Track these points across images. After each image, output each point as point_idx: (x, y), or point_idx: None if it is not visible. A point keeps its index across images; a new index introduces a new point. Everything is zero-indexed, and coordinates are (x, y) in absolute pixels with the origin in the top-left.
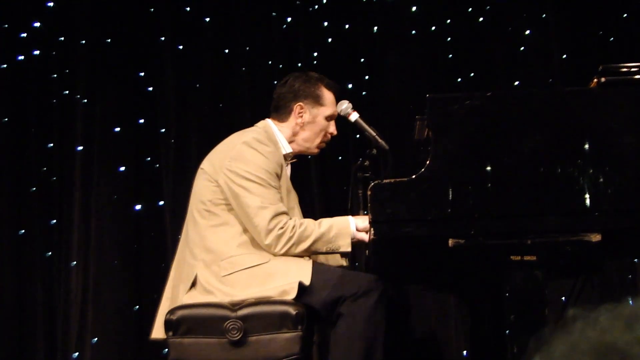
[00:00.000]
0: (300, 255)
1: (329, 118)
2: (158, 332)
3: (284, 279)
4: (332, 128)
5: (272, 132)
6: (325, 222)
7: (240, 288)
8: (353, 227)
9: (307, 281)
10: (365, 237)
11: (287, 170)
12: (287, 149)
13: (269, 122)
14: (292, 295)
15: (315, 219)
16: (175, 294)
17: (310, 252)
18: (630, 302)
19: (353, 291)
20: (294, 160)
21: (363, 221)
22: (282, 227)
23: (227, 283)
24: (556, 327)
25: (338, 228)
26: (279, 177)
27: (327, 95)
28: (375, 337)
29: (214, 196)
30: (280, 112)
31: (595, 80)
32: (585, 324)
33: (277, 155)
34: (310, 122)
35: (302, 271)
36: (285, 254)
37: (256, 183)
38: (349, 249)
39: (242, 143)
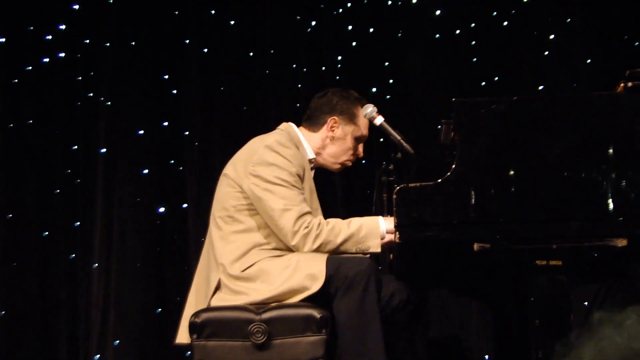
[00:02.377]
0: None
1: (359, 139)
2: (182, 336)
3: (310, 265)
4: (360, 149)
5: (295, 135)
6: (355, 222)
7: (266, 282)
8: (383, 227)
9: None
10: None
11: (311, 173)
12: (310, 154)
13: (292, 125)
14: (320, 280)
15: None
16: (200, 300)
17: (339, 252)
18: None
19: (340, 284)
20: (317, 165)
21: (390, 222)
22: (307, 227)
23: (249, 278)
24: (583, 331)
25: (368, 228)
26: (301, 178)
27: (363, 117)
28: (367, 327)
29: (237, 202)
30: (312, 121)
31: (622, 84)
32: (612, 329)
33: (300, 157)
34: (340, 137)
35: (323, 256)
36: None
37: (280, 185)
38: (379, 250)
39: (265, 147)
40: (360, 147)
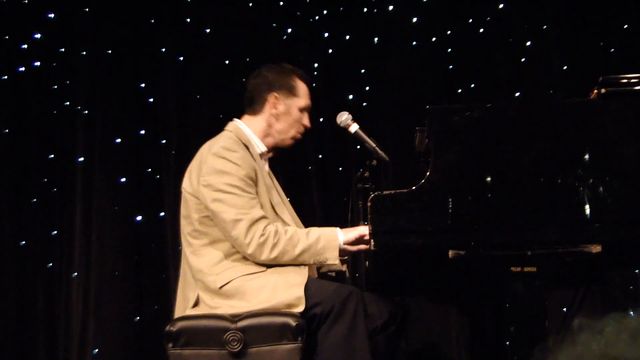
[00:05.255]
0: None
1: (302, 109)
2: None
3: (287, 291)
4: (306, 120)
5: (242, 133)
6: (314, 233)
7: (243, 301)
8: (341, 239)
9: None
10: (351, 248)
11: (265, 166)
12: (261, 147)
13: (237, 122)
14: (300, 308)
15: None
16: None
17: (297, 262)
18: (632, 314)
19: (325, 313)
20: (269, 155)
21: (347, 233)
22: (262, 234)
23: (226, 295)
24: (561, 337)
25: (326, 240)
26: (253, 180)
27: (301, 86)
28: (355, 355)
29: (199, 214)
30: (254, 104)
31: (596, 91)
32: (590, 335)
33: (248, 159)
34: (284, 112)
35: (302, 282)
36: (272, 262)
37: (230, 194)
38: (337, 262)
39: (212, 155)
40: (306, 118)
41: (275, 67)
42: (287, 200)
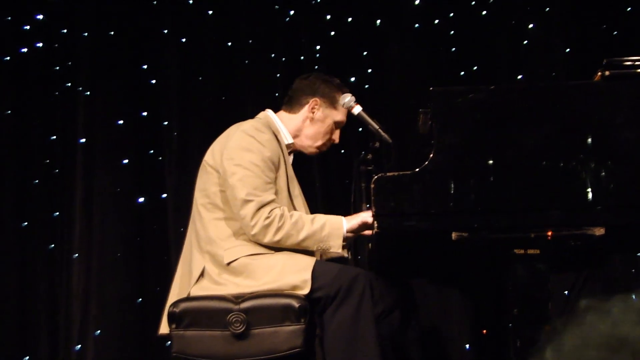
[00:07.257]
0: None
1: (337, 124)
2: (165, 327)
3: (295, 273)
4: (336, 135)
5: (272, 122)
6: (319, 219)
7: (250, 279)
8: (345, 228)
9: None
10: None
11: (290, 159)
12: (288, 139)
13: (269, 112)
14: (305, 290)
15: (318, 212)
16: (183, 290)
17: (300, 247)
18: (634, 297)
19: (332, 295)
20: (295, 149)
21: (350, 220)
22: (268, 217)
23: (234, 272)
24: (568, 318)
25: (331, 227)
26: (275, 165)
27: (342, 104)
28: (361, 336)
29: (217, 188)
30: (293, 103)
31: (599, 73)
32: (597, 316)
33: (275, 143)
34: (320, 120)
35: (309, 265)
36: (275, 245)
37: (248, 170)
38: (339, 250)
39: (241, 131)
40: (337, 133)
41: (325, 76)
42: (303, 196)
